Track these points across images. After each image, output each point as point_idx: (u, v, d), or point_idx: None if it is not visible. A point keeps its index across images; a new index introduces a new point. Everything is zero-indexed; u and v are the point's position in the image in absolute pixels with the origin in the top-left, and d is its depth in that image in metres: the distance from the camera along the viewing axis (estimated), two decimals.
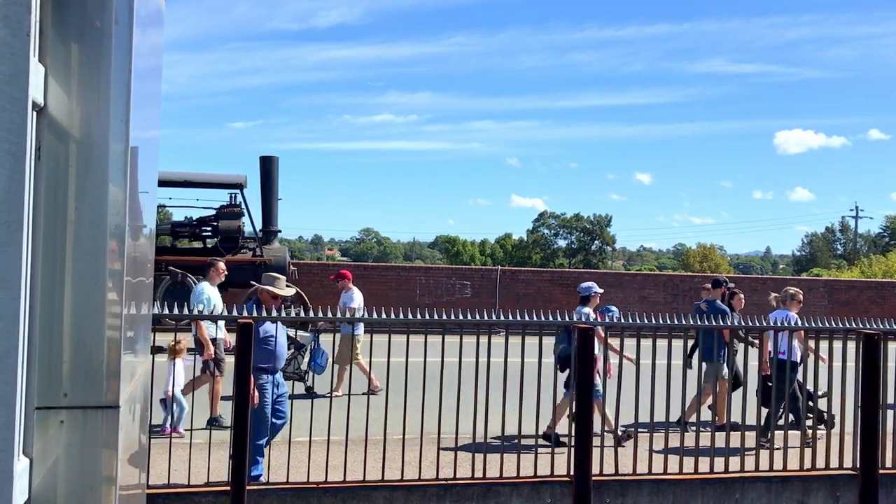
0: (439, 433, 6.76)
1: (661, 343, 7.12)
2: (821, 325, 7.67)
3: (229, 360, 7.76)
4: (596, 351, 7.35)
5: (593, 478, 6.67)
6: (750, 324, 7.73)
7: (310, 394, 9.61)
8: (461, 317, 7.05)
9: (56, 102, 1.50)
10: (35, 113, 1.42)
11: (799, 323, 8.61)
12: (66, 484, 1.53)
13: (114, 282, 1.57)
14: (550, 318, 7.06)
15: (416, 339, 6.88)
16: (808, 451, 7.33)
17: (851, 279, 34.47)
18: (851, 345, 7.28)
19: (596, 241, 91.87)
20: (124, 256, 1.60)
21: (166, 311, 6.42)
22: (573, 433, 6.69)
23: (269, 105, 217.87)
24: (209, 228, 17.50)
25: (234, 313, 6.72)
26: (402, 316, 6.84)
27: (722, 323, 8.39)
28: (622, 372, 7.04)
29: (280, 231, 18.46)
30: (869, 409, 7.08)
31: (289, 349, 9.91)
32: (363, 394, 7.82)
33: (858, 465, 7.14)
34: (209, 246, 17.57)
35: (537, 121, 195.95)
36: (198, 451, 7.12)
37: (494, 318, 7.05)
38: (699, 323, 8.25)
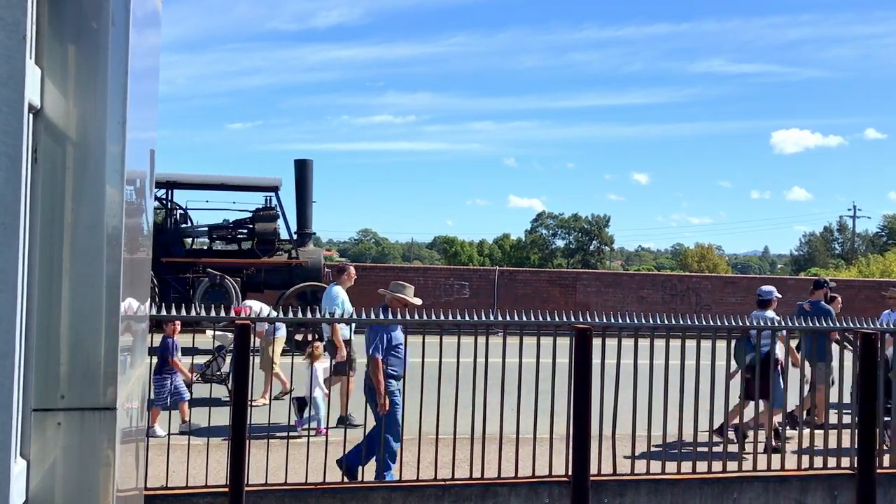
0: (437, 433, 6.77)
1: (659, 343, 7.12)
2: (817, 324, 7.67)
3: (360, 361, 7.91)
4: (779, 354, 7.36)
5: (591, 478, 6.67)
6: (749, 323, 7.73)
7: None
8: (459, 317, 7.05)
9: (53, 104, 1.50)
10: (31, 115, 1.42)
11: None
12: (64, 486, 1.52)
13: (111, 283, 1.57)
14: (549, 319, 7.05)
15: (414, 340, 6.89)
16: (805, 453, 7.33)
17: (849, 279, 34.49)
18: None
19: (594, 242, 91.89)
20: (121, 258, 1.60)
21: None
22: (571, 433, 6.69)
23: (269, 106, 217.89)
24: (245, 231, 17.59)
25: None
26: (399, 316, 6.84)
27: (827, 325, 8.11)
28: (637, 375, 7.04)
29: (315, 233, 18.59)
30: (866, 409, 7.09)
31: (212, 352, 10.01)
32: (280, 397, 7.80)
33: (856, 465, 7.15)
34: (245, 248, 17.69)
35: (536, 121, 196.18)
36: (196, 453, 7.11)
37: (492, 318, 7.05)
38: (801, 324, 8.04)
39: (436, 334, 6.74)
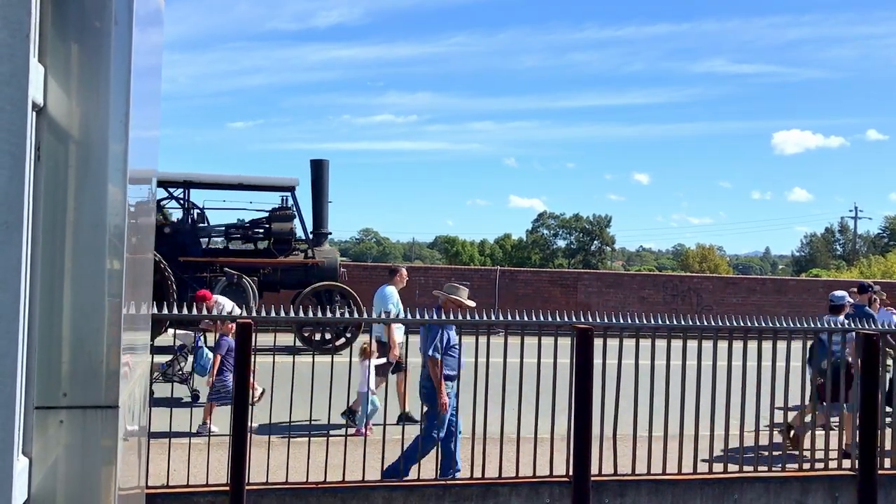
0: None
1: (660, 344, 7.12)
2: (819, 325, 7.67)
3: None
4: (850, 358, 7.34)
5: (592, 478, 6.67)
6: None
7: (194, 399, 9.57)
8: (460, 317, 7.05)
9: (56, 103, 1.50)
10: (35, 113, 1.42)
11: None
12: (66, 484, 1.53)
13: (113, 282, 1.58)
14: (550, 319, 7.05)
15: (416, 339, 6.89)
16: (806, 452, 7.33)
17: (851, 280, 34.49)
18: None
19: (595, 242, 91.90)
20: (124, 256, 1.61)
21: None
22: (572, 433, 6.69)
23: (269, 105, 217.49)
24: (261, 230, 17.66)
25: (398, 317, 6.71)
26: (401, 316, 6.84)
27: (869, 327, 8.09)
28: (638, 375, 7.04)
29: (331, 233, 18.65)
30: (867, 410, 7.09)
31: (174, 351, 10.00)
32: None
33: (857, 466, 7.14)
34: (260, 248, 17.77)
35: (537, 121, 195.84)
36: (197, 452, 7.12)
37: (494, 318, 7.05)
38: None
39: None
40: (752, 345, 7.28)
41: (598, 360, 6.72)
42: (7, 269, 1.29)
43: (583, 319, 7.06)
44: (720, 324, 7.46)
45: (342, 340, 15.79)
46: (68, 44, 1.52)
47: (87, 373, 1.54)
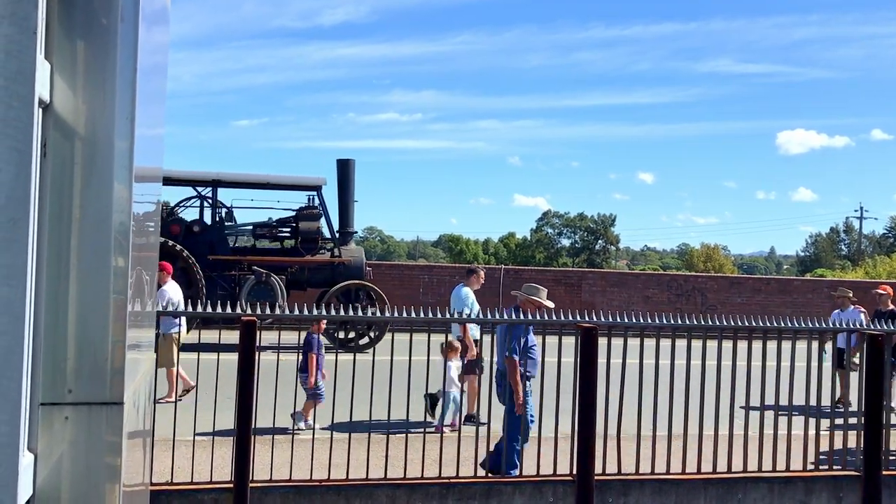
0: (442, 431, 6.78)
1: (665, 343, 7.11)
2: (825, 325, 7.66)
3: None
4: None
5: (596, 477, 6.66)
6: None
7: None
8: (465, 315, 7.05)
9: (62, 99, 1.50)
10: (41, 110, 1.42)
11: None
12: (71, 480, 1.53)
13: (118, 278, 1.58)
14: (554, 318, 7.05)
15: (420, 338, 6.89)
16: (811, 452, 7.32)
17: (856, 280, 34.39)
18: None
19: (600, 241, 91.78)
20: (129, 253, 1.61)
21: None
22: (576, 433, 6.69)
23: (274, 103, 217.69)
24: (288, 229, 17.76)
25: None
26: (405, 314, 6.84)
27: None
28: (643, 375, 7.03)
29: (356, 232, 18.74)
30: (872, 411, 7.07)
31: None
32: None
33: (861, 467, 7.13)
34: (287, 246, 17.87)
35: (542, 120, 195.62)
36: (201, 449, 7.13)
37: (498, 317, 7.05)
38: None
39: (441, 332, 6.76)
40: (757, 345, 7.27)
41: (602, 360, 6.72)
42: (13, 266, 1.30)
43: (587, 318, 7.06)
44: (724, 323, 7.44)
45: (366, 339, 15.87)
46: (75, 41, 1.52)
47: (92, 369, 1.55)
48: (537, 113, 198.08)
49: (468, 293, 10.30)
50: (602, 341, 6.75)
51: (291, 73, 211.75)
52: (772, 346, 7.31)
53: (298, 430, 8.44)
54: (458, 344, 9.28)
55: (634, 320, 7.23)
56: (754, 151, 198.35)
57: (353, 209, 18.12)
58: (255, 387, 6.29)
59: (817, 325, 7.84)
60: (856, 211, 79.74)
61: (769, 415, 7.31)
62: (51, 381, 1.50)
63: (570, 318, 7.07)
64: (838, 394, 9.95)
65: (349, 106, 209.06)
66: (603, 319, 7.11)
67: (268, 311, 8.03)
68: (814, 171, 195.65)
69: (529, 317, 7.15)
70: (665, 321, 7.20)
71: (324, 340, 9.80)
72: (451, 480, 6.70)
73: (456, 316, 7.52)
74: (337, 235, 17.63)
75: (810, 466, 7.33)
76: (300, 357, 8.97)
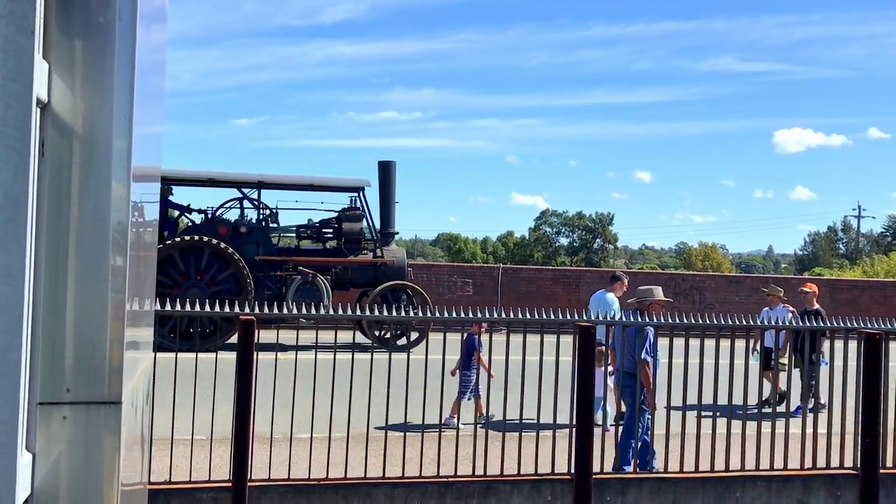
0: (440, 430, 6.78)
1: (662, 342, 7.12)
2: (822, 324, 7.67)
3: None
4: None
5: (594, 476, 6.67)
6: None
7: None
8: (463, 314, 7.06)
9: (60, 99, 1.50)
10: (39, 109, 1.42)
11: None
12: (69, 479, 1.53)
13: (117, 278, 1.58)
14: (552, 316, 7.06)
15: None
16: (808, 450, 7.33)
17: (854, 278, 34.45)
18: (853, 344, 7.29)
19: (598, 240, 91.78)
20: (127, 252, 1.61)
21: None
22: (574, 431, 6.69)
23: (274, 101, 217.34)
24: (330, 230, 17.94)
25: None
26: (403, 314, 6.85)
27: None
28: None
29: (398, 233, 18.92)
30: (869, 409, 7.08)
31: None
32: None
33: (859, 465, 7.14)
34: (329, 247, 18.06)
35: (542, 118, 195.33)
36: (199, 448, 7.13)
37: (496, 315, 7.05)
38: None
39: (439, 331, 6.76)
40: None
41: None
42: (12, 265, 1.30)
43: (585, 317, 7.06)
44: (723, 322, 7.45)
45: (403, 340, 15.92)
46: (72, 40, 1.52)
47: (90, 369, 1.55)
48: (537, 112, 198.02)
49: (614, 299, 10.57)
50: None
51: (291, 71, 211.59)
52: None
53: (447, 426, 8.29)
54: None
55: (632, 319, 7.23)
56: (751, 150, 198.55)
57: (394, 210, 18.32)
58: (253, 386, 6.29)
59: (816, 324, 7.84)
60: (854, 210, 79.92)
61: (766, 413, 7.32)
62: (49, 380, 1.50)
63: (569, 316, 7.07)
64: (766, 394, 10.07)
65: (349, 104, 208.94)
66: (601, 318, 7.11)
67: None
68: (811, 169, 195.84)
69: (655, 318, 7.61)
70: (663, 320, 7.20)
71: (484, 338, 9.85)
72: (450, 479, 6.70)
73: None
74: (378, 236, 17.83)
75: (808, 465, 7.34)
76: (461, 357, 9.00)
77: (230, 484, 6.23)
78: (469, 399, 9.34)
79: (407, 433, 6.72)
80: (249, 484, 6.26)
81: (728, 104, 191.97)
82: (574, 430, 6.70)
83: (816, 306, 11.67)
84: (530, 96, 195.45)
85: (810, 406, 8.42)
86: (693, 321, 7.32)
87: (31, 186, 1.34)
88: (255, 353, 6.30)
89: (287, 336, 7.28)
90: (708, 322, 7.37)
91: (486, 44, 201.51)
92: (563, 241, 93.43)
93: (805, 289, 12.31)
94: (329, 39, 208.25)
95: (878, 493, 7.00)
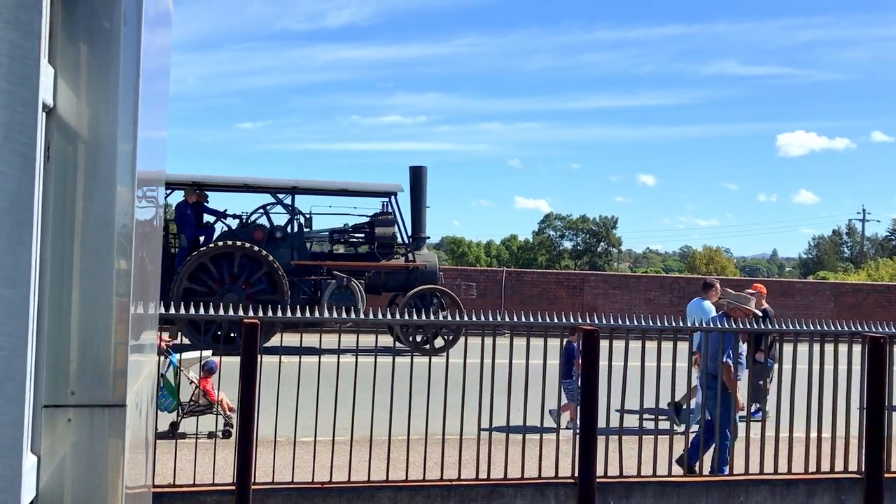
0: (444, 434, 6.78)
1: (666, 345, 7.11)
2: (827, 328, 7.66)
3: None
4: None
5: (598, 479, 6.67)
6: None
7: None
8: (466, 318, 7.06)
9: (65, 103, 1.51)
10: (45, 114, 1.43)
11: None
12: (73, 482, 1.54)
13: (121, 281, 1.58)
14: (556, 320, 7.06)
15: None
16: (812, 454, 7.31)
17: (858, 282, 34.37)
18: (857, 348, 7.28)
19: (602, 243, 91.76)
20: (132, 256, 1.61)
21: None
22: (577, 435, 6.69)
23: (278, 105, 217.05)
24: (362, 235, 18.06)
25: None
26: (406, 317, 6.85)
27: None
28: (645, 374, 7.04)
29: (429, 237, 18.96)
30: (874, 413, 7.06)
31: None
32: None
33: (864, 469, 7.12)
34: (361, 251, 18.19)
35: (545, 122, 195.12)
36: (203, 451, 7.13)
37: (500, 319, 7.06)
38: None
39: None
40: None
41: (603, 362, 6.72)
42: (18, 268, 1.30)
43: (589, 321, 7.06)
44: (726, 326, 7.44)
45: (441, 342, 15.94)
46: (78, 45, 1.53)
47: (94, 371, 1.55)
48: (541, 115, 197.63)
49: (710, 306, 10.70)
50: (604, 343, 6.76)
51: (295, 75, 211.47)
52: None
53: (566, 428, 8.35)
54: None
55: (636, 323, 7.23)
56: (754, 153, 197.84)
57: (426, 215, 18.44)
58: (257, 389, 6.30)
59: (819, 328, 7.83)
60: (858, 213, 79.77)
61: (770, 417, 7.30)
62: (54, 383, 1.51)
63: (572, 320, 7.07)
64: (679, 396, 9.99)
65: (353, 108, 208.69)
66: (605, 322, 7.11)
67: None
68: (814, 173, 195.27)
69: (736, 324, 7.80)
70: (667, 324, 7.20)
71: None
72: (453, 483, 6.70)
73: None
74: (410, 240, 17.95)
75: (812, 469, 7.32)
76: (561, 366, 8.77)
77: (234, 487, 6.24)
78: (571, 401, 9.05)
79: (410, 436, 6.72)
80: (253, 487, 6.27)
81: (731, 108, 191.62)
82: (577, 433, 6.70)
83: (765, 306, 11.50)
84: (534, 100, 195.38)
85: (755, 409, 8.54)
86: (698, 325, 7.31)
87: (37, 191, 1.35)
88: (259, 356, 6.31)
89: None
90: (712, 326, 7.36)
91: (490, 47, 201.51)
92: (567, 244, 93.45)
93: (751, 290, 12.15)
94: (333, 43, 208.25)
95: (882, 498, 6.99)
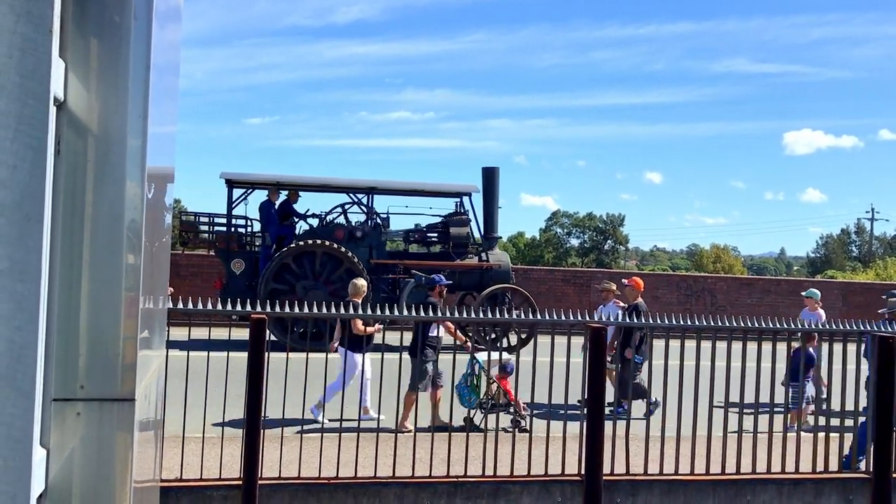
0: (450, 430, 6.78)
1: (674, 343, 7.10)
2: (835, 327, 7.63)
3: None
4: None
5: (604, 477, 6.66)
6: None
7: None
8: (474, 315, 7.06)
9: (75, 98, 1.51)
10: (55, 108, 1.43)
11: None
12: (82, 475, 1.54)
13: (130, 275, 1.59)
14: (563, 318, 7.05)
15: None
16: (820, 454, 7.29)
17: (866, 281, 34.25)
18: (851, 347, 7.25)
19: (609, 241, 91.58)
20: (141, 251, 1.62)
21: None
22: (584, 432, 6.68)
23: (286, 101, 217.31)
24: (436, 234, 18.36)
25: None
26: (414, 314, 6.86)
27: None
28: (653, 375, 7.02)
29: (501, 237, 19.25)
30: (882, 413, 7.04)
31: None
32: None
33: (871, 469, 7.10)
34: (434, 251, 18.48)
35: (554, 119, 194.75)
36: (210, 446, 7.15)
37: (507, 316, 7.05)
38: None
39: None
40: (767, 346, 7.25)
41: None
42: (28, 262, 1.31)
43: (596, 318, 7.05)
44: (734, 324, 7.42)
45: (515, 340, 15.96)
46: (88, 39, 1.53)
47: (104, 365, 1.56)
48: (550, 112, 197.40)
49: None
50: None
51: (304, 71, 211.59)
52: (781, 347, 7.28)
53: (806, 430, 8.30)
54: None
55: (644, 321, 7.21)
56: (761, 151, 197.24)
57: (498, 215, 18.68)
58: (264, 384, 6.31)
59: (831, 326, 7.80)
60: (867, 212, 79.42)
61: (778, 416, 7.29)
62: (63, 376, 1.51)
63: (579, 317, 7.06)
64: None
65: (361, 104, 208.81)
66: (612, 319, 7.10)
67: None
68: (822, 171, 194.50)
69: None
70: (674, 322, 7.18)
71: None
72: (460, 479, 6.71)
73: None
74: (483, 240, 18.14)
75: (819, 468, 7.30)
76: (788, 371, 8.28)
77: (241, 482, 6.25)
78: (794, 408, 8.79)
79: (417, 432, 6.72)
80: (260, 482, 6.29)
81: (738, 105, 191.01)
82: (584, 430, 6.69)
83: (638, 300, 11.19)
84: (543, 97, 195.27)
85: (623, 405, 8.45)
86: (705, 323, 7.29)
87: (48, 185, 1.35)
88: (266, 352, 6.32)
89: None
90: (720, 324, 7.34)
91: (499, 44, 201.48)
92: (574, 242, 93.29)
93: (624, 282, 11.86)
94: (342, 39, 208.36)
95: (890, 498, 6.96)
